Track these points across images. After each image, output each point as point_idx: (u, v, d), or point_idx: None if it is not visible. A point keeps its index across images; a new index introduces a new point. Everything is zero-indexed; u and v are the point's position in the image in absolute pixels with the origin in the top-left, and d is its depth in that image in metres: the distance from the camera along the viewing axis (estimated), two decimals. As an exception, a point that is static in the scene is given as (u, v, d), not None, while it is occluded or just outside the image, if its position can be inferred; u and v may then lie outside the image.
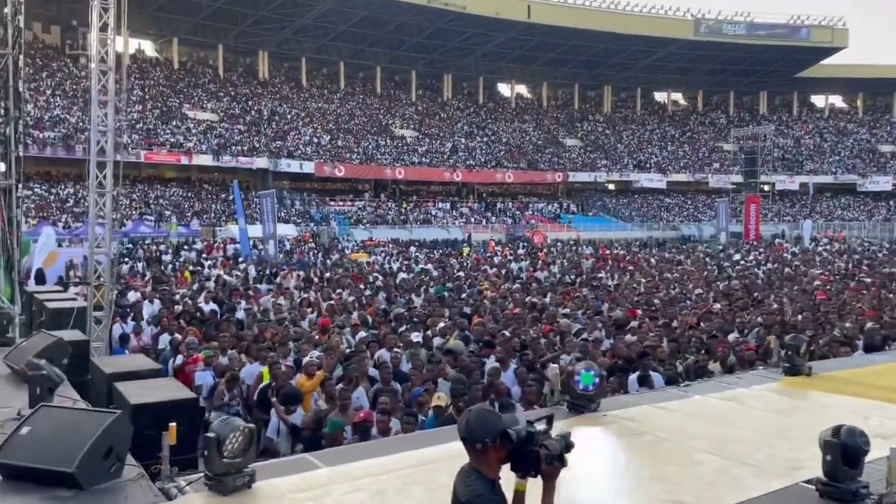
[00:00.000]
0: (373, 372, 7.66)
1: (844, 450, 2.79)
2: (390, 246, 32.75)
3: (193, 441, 3.93)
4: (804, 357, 5.32)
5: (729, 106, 69.02)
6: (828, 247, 34.29)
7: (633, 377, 7.14)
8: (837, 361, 6.32)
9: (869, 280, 17.86)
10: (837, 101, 71.20)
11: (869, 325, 9.52)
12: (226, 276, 18.04)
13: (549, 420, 2.44)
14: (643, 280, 18.12)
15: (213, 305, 12.68)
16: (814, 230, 44.68)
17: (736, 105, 69.07)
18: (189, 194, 43.83)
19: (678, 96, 70.39)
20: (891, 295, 14.51)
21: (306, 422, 6.32)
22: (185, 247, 29.60)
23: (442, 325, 10.47)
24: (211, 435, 3.13)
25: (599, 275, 19.93)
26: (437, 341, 9.48)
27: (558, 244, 35.51)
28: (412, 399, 6.70)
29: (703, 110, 68.89)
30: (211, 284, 16.45)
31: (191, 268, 21.63)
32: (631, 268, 22.22)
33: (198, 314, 11.56)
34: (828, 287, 16.03)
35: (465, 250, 31.56)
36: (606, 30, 53.80)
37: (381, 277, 18.11)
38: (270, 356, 7.83)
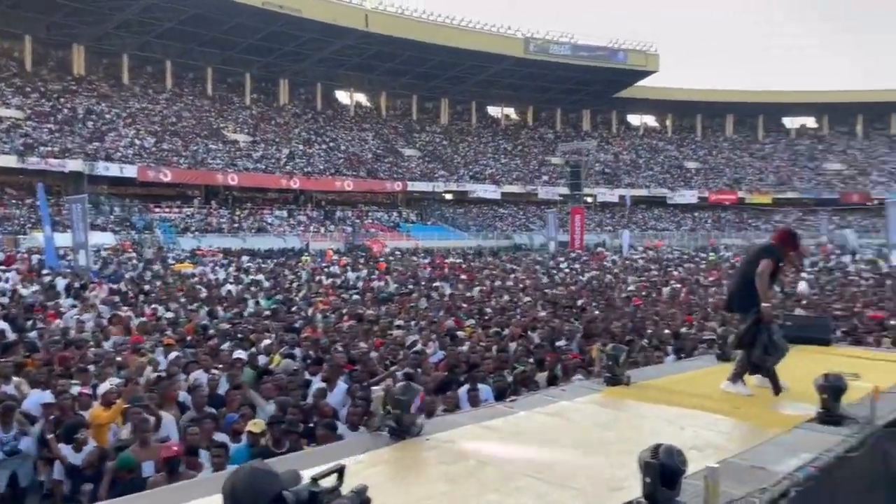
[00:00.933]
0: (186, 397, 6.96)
1: (663, 471, 2.72)
2: (220, 255, 31.06)
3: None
4: (624, 366, 5.40)
5: (556, 122, 73.04)
6: (644, 255, 37.02)
7: (462, 391, 7.03)
8: (654, 369, 6.55)
9: (679, 286, 19.32)
10: (650, 120, 77.70)
11: (682, 330, 10.16)
12: (22, 290, 16.05)
13: (340, 473, 2.09)
14: (477, 289, 18.40)
15: (2, 324, 11.13)
16: (631, 239, 48.22)
17: (562, 121, 73.24)
18: (-13, 199, 39.15)
19: (510, 111, 73.46)
20: (699, 300, 15.72)
21: (89, 459, 5.54)
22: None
23: (268, 341, 9.83)
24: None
25: (436, 284, 20.00)
26: (262, 359, 8.88)
27: (396, 253, 35.52)
28: (226, 426, 6.11)
29: (533, 125, 72.36)
30: (6, 300, 14.55)
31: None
32: (464, 277, 22.56)
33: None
34: (643, 294, 17.11)
35: (305, 259, 30.64)
36: (443, 43, 54.88)
37: (204, 290, 16.94)
38: (61, 383, 6.84)
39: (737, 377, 5.32)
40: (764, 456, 3.59)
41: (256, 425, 5.58)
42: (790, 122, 77.39)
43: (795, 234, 6.00)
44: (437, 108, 68.47)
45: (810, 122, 77.10)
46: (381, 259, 31.22)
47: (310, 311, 13.31)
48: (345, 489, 2.01)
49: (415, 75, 61.38)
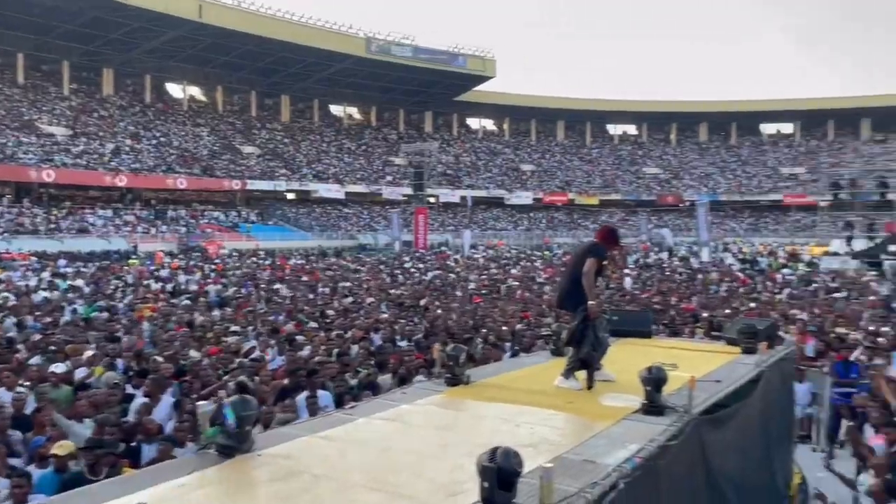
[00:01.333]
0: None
1: (500, 474, 2.70)
2: (33, 259, 28.17)
3: None
4: (464, 366, 5.42)
5: (399, 122, 73.63)
6: (484, 254, 38.17)
7: (301, 398, 6.78)
8: (492, 367, 6.65)
9: (516, 284, 20.07)
10: (489, 123, 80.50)
11: (518, 327, 10.49)
12: None
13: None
14: (320, 291, 18.02)
15: None
16: (473, 238, 49.59)
17: (405, 122, 73.98)
18: None
19: (354, 110, 73.07)
20: (535, 297, 16.38)
21: None
22: None
23: (89, 352, 8.96)
24: None
25: (276, 286, 19.35)
26: (81, 372, 8.07)
27: (234, 254, 34.05)
28: (31, 450, 5.45)
29: (376, 125, 72.45)
30: None
31: None
32: (306, 278, 22.04)
33: None
34: (483, 292, 17.58)
35: (133, 262, 28.53)
36: (283, 39, 53.40)
37: (12, 298, 15.23)
38: None
39: (569, 373, 5.50)
40: (594, 449, 3.70)
41: (62, 447, 5.01)
42: (613, 129, 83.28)
43: (616, 231, 6.28)
44: (278, 105, 66.62)
45: (631, 129, 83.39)
46: (218, 260, 29.80)
47: (134, 319, 12.33)
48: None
49: (253, 70, 59.28)
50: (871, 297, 17.21)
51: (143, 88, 58.22)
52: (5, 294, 15.98)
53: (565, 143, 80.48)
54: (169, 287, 19.02)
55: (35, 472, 4.98)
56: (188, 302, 15.27)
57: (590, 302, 5.52)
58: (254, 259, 31.78)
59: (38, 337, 10.11)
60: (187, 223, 47.73)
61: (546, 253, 37.38)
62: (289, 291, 17.90)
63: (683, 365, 5.99)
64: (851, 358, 9.41)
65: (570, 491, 3.02)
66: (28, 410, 6.62)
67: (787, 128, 79.86)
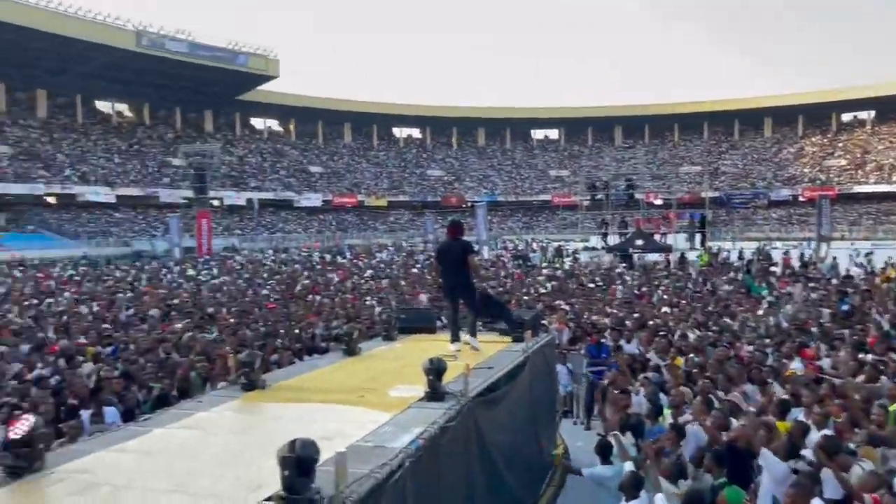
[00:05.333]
0: None
1: (299, 462, 3.00)
2: None
3: None
4: (259, 371, 5.62)
5: (176, 121, 69.53)
6: (273, 258, 37.48)
7: (85, 416, 6.51)
8: (286, 370, 6.88)
9: (309, 283, 20.15)
10: (274, 124, 78.80)
11: (310, 330, 10.73)
12: None
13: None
14: (95, 303, 16.74)
15: None
16: (262, 242, 48.51)
17: (183, 121, 70.03)
18: None
19: (124, 107, 67.70)
20: (327, 300, 16.63)
21: None
22: None
23: None
24: None
25: (49, 301, 17.55)
26: None
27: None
28: None
29: (150, 124, 67.76)
30: None
31: None
32: (72, 291, 20.26)
33: None
34: (275, 297, 17.49)
35: None
36: (37, 27, 48.01)
37: None
38: None
39: (454, 339, 7.20)
40: (383, 436, 4.15)
41: None
42: (399, 132, 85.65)
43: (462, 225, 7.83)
44: (34, 100, 59.78)
45: (416, 132, 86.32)
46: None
47: None
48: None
49: (3, 62, 52.63)
50: (615, 286, 19.71)
51: None
52: None
53: (353, 145, 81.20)
54: None
55: None
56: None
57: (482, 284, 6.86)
58: (17, 272, 28.41)
59: None
60: (-80, 233, 41.35)
61: (340, 258, 37.48)
62: (59, 306, 16.40)
63: (462, 355, 6.69)
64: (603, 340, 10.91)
65: (362, 472, 3.43)
66: None
67: (554, 133, 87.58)
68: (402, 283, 21.36)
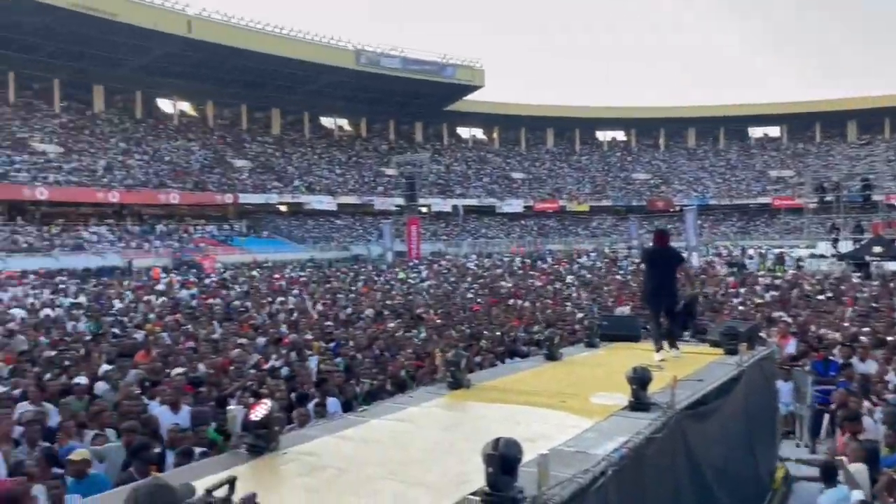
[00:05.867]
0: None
1: (503, 461, 3.08)
2: (32, 277, 28.37)
3: None
4: (464, 371, 5.84)
5: (390, 133, 74.11)
6: (476, 262, 38.56)
7: (310, 405, 7.17)
8: (489, 371, 7.07)
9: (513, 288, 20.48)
10: (479, 132, 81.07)
11: (512, 334, 10.90)
12: None
13: (231, 484, 2.28)
14: (320, 302, 18.36)
15: None
16: (470, 247, 50.14)
17: (396, 133, 74.47)
18: None
19: (344, 122, 73.50)
20: (528, 304, 16.80)
21: None
22: None
23: (106, 367, 9.30)
24: None
25: (280, 299, 19.63)
26: (99, 386, 8.41)
27: (230, 269, 34.34)
28: (61, 459, 5.82)
29: (366, 136, 72.89)
30: None
31: None
32: (298, 290, 22.34)
33: None
34: (479, 300, 17.98)
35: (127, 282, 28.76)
36: (271, 52, 53.81)
37: (18, 316, 15.53)
38: None
39: (659, 348, 7.11)
40: (586, 442, 4.12)
41: (78, 454, 5.42)
42: (602, 136, 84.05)
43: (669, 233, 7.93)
44: (269, 118, 67.03)
45: (620, 135, 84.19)
46: (215, 276, 30.07)
47: (141, 334, 12.64)
48: (236, 499, 2.20)
49: (243, 84, 59.66)
50: (850, 298, 17.69)
51: (133, 104, 58.49)
52: (15, 310, 16.28)
53: (555, 151, 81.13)
54: (168, 301, 19.32)
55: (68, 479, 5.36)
56: (191, 315, 15.59)
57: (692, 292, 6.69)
58: (254, 273, 32.04)
59: (50, 353, 10.43)
60: (180, 238, 47.97)
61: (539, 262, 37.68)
62: (290, 304, 18.22)
63: (669, 366, 6.43)
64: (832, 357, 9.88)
65: (565, 476, 3.43)
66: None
67: (775, 131, 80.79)
68: (605, 289, 20.94)
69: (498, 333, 11.74)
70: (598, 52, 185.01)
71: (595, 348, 7.87)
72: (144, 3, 47.52)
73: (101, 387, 8.25)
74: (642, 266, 7.99)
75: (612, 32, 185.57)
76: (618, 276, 25.79)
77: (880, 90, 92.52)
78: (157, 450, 5.72)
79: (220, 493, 2.20)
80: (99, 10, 44.52)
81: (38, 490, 5.07)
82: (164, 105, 62.57)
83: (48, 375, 8.87)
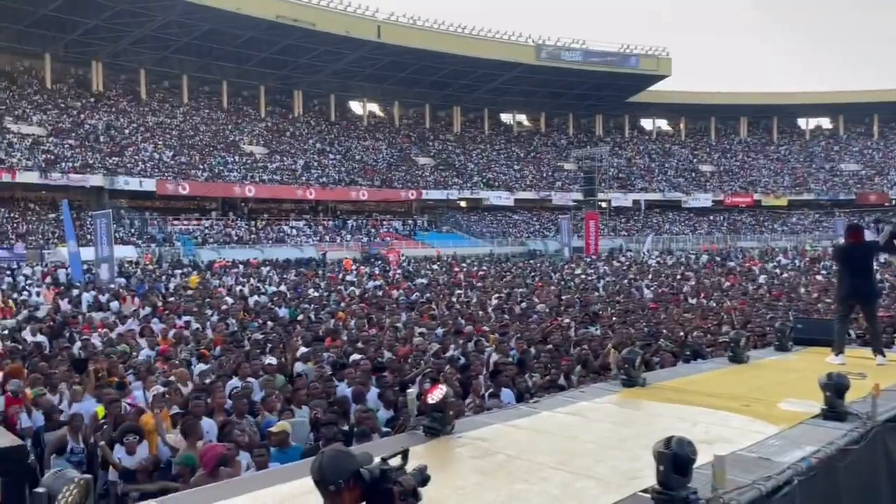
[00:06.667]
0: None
1: (675, 460, 3.01)
2: (241, 267, 31.59)
3: (21, 496, 3.57)
4: (639, 369, 5.72)
5: (569, 127, 73.25)
6: (658, 259, 37.11)
7: (486, 395, 7.37)
8: (668, 371, 6.85)
9: (692, 289, 19.52)
10: (663, 124, 77.71)
11: (695, 334, 10.43)
12: (61, 303, 16.60)
13: (405, 454, 2.47)
14: (496, 296, 18.65)
15: (40, 337, 11.61)
16: (655, 244, 48.41)
17: (575, 127, 73.43)
18: (13, 214, 40.02)
19: (522, 118, 73.78)
20: (713, 304, 15.92)
21: (144, 464, 5.94)
22: (8, 272, 26.95)
23: (303, 349, 10.19)
24: (41, 490, 2.83)
25: (458, 291, 20.24)
26: (299, 366, 9.22)
27: (412, 261, 35.91)
28: (263, 430, 6.48)
29: (545, 131, 72.61)
30: (41, 313, 15.10)
31: (14, 295, 19.72)
32: (480, 284, 22.82)
33: (20, 348, 10.53)
34: (658, 299, 17.33)
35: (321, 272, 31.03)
36: (454, 52, 55.36)
37: (230, 301, 17.38)
38: (106, 392, 7.26)
39: (838, 351, 6.68)
40: (770, 449, 3.90)
41: (278, 426, 6.01)
42: (804, 124, 77.15)
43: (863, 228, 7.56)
44: (450, 116, 68.98)
45: (825, 122, 76.80)
46: (400, 269, 31.59)
47: (332, 322, 13.62)
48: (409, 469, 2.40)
49: (427, 84, 61.93)
50: None
51: (327, 107, 62.87)
52: (225, 298, 18.30)
53: (749, 141, 75.74)
54: (357, 292, 20.64)
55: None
56: (376, 305, 16.58)
57: None
58: (435, 266, 33.28)
59: (258, 336, 11.62)
60: (368, 232, 50.93)
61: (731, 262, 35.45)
62: (470, 296, 18.67)
63: (873, 374, 5.86)
64: None
65: (744, 482, 3.29)
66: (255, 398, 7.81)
67: None
68: (802, 290, 19.30)
69: (680, 334, 11.28)
70: (796, 36, 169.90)
71: (787, 352, 7.36)
72: (338, 11, 50.92)
73: (299, 367, 9.04)
74: (835, 266, 7.44)
75: (809, 10, 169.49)
76: (819, 276, 23.65)
77: None
78: (345, 428, 6.18)
79: (395, 462, 2.39)
80: (300, 20, 48.38)
81: (244, 456, 5.71)
82: (355, 107, 66.64)
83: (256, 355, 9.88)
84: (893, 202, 55.02)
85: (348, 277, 26.50)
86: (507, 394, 7.50)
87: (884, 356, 6.59)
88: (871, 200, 62.98)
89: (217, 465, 5.01)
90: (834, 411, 4.44)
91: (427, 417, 4.24)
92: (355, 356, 9.47)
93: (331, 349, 10.22)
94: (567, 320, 13.24)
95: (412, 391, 4.67)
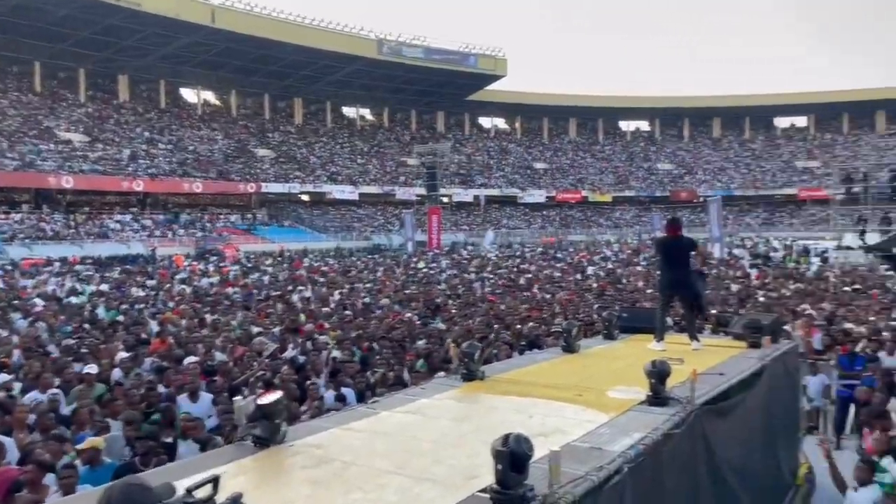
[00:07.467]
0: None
1: (513, 458, 2.95)
2: (56, 265, 28.75)
3: None
4: (479, 362, 5.72)
5: (411, 123, 73.94)
6: (497, 253, 38.36)
7: (328, 395, 7.11)
8: (506, 363, 6.94)
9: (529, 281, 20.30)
10: (501, 122, 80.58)
11: (530, 325, 10.76)
12: None
13: (215, 483, 2.17)
14: (338, 291, 18.33)
15: None
16: (496, 238, 49.86)
17: (418, 122, 74.26)
18: None
19: (366, 112, 73.47)
20: (548, 296, 16.62)
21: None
22: None
23: (123, 354, 9.34)
24: None
25: (300, 288, 19.66)
26: (116, 373, 8.43)
27: (251, 257, 34.52)
28: (76, 446, 5.81)
29: (388, 126, 72.79)
30: None
31: None
32: (322, 279, 22.37)
33: None
34: (497, 291, 17.84)
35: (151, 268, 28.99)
36: (295, 42, 53.88)
37: (40, 303, 15.69)
38: None
39: (660, 337, 6.98)
40: (601, 438, 3.98)
41: (89, 443, 5.41)
42: (626, 126, 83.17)
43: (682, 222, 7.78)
44: (291, 108, 67.19)
45: (644, 125, 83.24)
46: (237, 266, 30.21)
47: (155, 323, 12.66)
48: (220, 498, 2.09)
49: (266, 74, 59.83)
50: (875, 290, 17.29)
51: (157, 94, 58.95)
52: (35, 300, 16.48)
53: (578, 141, 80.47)
54: (189, 290, 19.43)
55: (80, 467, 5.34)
56: (210, 304, 15.66)
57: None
58: (270, 262, 32.16)
59: (70, 341, 10.51)
60: (204, 227, 48.37)
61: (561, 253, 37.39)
62: (309, 293, 18.22)
63: (689, 359, 6.26)
64: (857, 350, 9.63)
65: (578, 474, 3.31)
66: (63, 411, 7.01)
67: (802, 121, 79.36)
68: (626, 280, 20.70)
69: (517, 325, 11.62)
70: (623, 42, 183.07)
71: (614, 340, 7.72)
72: (168, -9, 47.81)
73: (116, 374, 8.26)
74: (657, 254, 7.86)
75: (639, 19, 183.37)
76: (639, 268, 25.48)
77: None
78: (168, 440, 5.68)
79: (203, 493, 2.08)
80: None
81: (50, 478, 5.07)
82: (188, 95, 63.00)
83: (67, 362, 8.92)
84: (701, 199, 60.68)
85: (179, 275, 24.92)
86: (348, 393, 7.29)
87: (699, 341, 7.08)
88: (682, 197, 69.03)
89: (9, 491, 4.38)
90: (658, 397, 4.65)
91: (257, 426, 3.93)
92: (185, 360, 8.83)
93: (157, 353, 9.47)
94: (409, 315, 13.22)
95: (239, 399, 4.31)
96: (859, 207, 32.74)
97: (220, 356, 9.24)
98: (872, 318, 12.72)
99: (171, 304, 15.63)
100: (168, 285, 20.62)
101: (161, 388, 7.63)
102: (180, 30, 49.52)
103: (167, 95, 59.47)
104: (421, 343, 10.09)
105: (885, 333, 10.63)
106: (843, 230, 38.41)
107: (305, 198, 58.95)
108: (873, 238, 29.97)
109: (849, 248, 32.02)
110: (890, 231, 29.34)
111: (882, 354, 9.35)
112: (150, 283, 21.73)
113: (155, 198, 50.11)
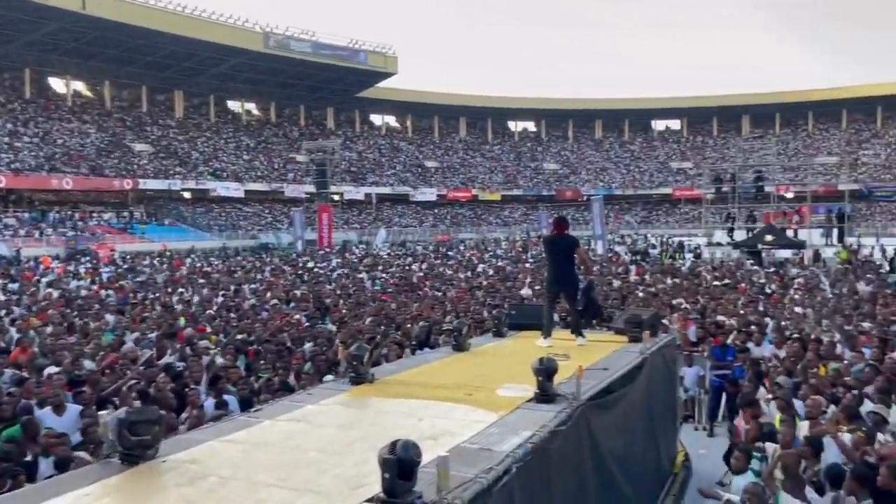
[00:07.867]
0: None
1: (400, 465, 2.87)
2: None
3: None
4: (367, 365, 5.58)
5: (300, 119, 72.41)
6: (389, 252, 38.23)
7: (208, 404, 6.75)
8: (395, 364, 6.84)
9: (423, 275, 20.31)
10: (392, 120, 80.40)
11: (421, 323, 10.71)
12: None
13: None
14: (222, 292, 17.61)
15: None
16: (389, 236, 49.60)
17: (307, 119, 72.82)
18: None
19: (252, 106, 71.25)
20: (439, 294, 16.67)
21: None
22: None
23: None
24: None
25: (181, 290, 18.72)
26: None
27: (127, 257, 32.64)
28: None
29: (276, 122, 70.93)
30: None
31: None
32: (203, 281, 21.45)
33: None
34: (389, 290, 17.72)
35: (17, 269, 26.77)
36: (173, 32, 51.35)
37: None
38: None
39: (547, 334, 7.11)
40: (490, 438, 3.95)
41: None
42: (514, 126, 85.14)
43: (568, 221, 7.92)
44: (171, 101, 64.14)
45: (531, 126, 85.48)
46: (111, 268, 28.44)
47: (14, 331, 11.65)
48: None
49: (143, 64, 56.76)
50: (743, 285, 18.54)
51: (22, 83, 54.65)
52: None
53: (468, 140, 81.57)
54: (57, 294, 18.06)
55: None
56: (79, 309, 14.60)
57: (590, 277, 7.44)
58: (156, 261, 30.54)
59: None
60: (75, 225, 45.29)
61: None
62: (188, 294, 17.41)
63: (575, 355, 6.39)
64: (728, 342, 10.22)
65: (467, 476, 3.25)
66: None
67: (676, 124, 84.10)
68: (515, 278, 21.11)
69: (408, 325, 11.54)
70: (514, 43, 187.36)
71: (503, 338, 7.77)
72: (32, -27, 44.34)
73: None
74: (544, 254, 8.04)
75: (523, 23, 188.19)
76: (527, 265, 26.08)
77: (770, 87, 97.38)
78: (27, 458, 5.19)
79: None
80: (-21, -22, 41.28)
81: None
82: (57, 84, 58.82)
83: None
84: (585, 198, 63.09)
85: (47, 277, 23.15)
86: (230, 400, 6.94)
87: (584, 337, 7.25)
88: (567, 196, 71.45)
89: None
90: (546, 394, 4.68)
91: (125, 442, 3.62)
92: (49, 369, 8.16)
93: (16, 362, 8.69)
94: (298, 315, 12.86)
95: (105, 413, 3.97)
96: (727, 206, 34.92)
97: (89, 365, 8.59)
98: (742, 312, 13.57)
99: (34, 309, 14.45)
100: (33, 289, 19.08)
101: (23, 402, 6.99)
102: (47, 14, 46.07)
103: (33, 84, 55.26)
104: (308, 345, 9.81)
105: (752, 326, 11.36)
106: (713, 227, 41.01)
107: (187, 195, 56.42)
108: (740, 235, 32.11)
109: (719, 244, 34.17)
110: (754, 229, 31.44)
111: (750, 345, 9.96)
112: (11, 286, 20.03)
113: (19, 194, 46.43)
